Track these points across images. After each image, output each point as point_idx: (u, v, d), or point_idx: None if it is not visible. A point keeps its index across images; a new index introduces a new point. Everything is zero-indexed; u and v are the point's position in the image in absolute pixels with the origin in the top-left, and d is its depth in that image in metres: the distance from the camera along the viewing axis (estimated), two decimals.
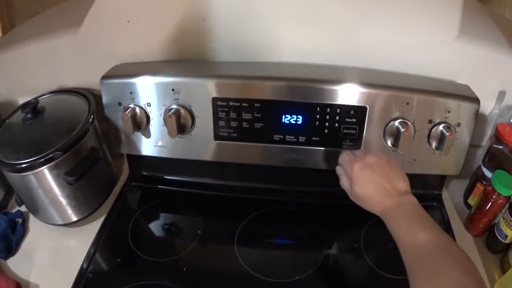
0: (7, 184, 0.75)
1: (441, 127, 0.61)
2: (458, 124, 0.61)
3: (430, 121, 0.61)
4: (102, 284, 0.61)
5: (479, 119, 0.63)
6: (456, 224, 0.70)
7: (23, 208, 0.72)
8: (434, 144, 0.62)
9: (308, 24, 0.65)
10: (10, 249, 0.69)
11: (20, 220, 0.71)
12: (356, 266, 0.64)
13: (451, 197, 0.76)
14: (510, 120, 0.66)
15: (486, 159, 0.66)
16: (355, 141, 0.63)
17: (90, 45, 0.71)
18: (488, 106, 0.68)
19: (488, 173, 0.65)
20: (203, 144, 0.65)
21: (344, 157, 0.58)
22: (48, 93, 0.73)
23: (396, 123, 0.61)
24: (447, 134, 0.60)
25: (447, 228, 0.68)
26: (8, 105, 0.82)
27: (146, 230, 0.70)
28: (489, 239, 0.66)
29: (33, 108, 0.65)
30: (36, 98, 0.68)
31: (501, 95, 0.67)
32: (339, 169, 0.60)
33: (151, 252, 0.65)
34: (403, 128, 0.60)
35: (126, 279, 0.60)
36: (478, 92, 0.62)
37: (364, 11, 0.62)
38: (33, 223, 0.72)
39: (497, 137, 0.64)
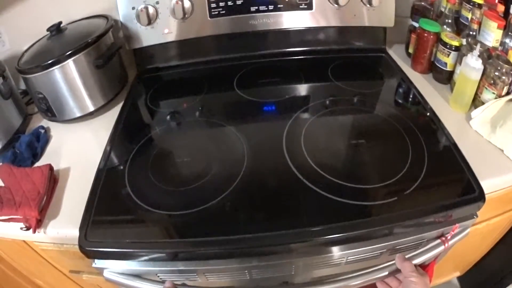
0: (24, 111, 0.84)
1: None
2: None
3: None
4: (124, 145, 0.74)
5: None
6: (405, 67, 0.90)
7: (45, 124, 0.82)
8: (366, 1, 0.85)
9: None
10: (36, 155, 0.76)
11: (43, 131, 0.79)
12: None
13: (396, 53, 0.97)
14: None
15: (412, 14, 0.89)
16: (308, 3, 0.86)
17: None
18: None
19: (416, 24, 0.88)
20: (201, 23, 0.84)
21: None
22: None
23: None
24: None
25: (399, 70, 0.89)
26: (15, 59, 0.93)
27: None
28: (435, 73, 0.87)
29: (57, 27, 0.79)
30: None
31: None
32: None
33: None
34: None
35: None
36: None
37: None
38: (55, 131, 0.81)
39: None
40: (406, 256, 0.63)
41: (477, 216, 0.64)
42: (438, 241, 0.65)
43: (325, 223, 0.55)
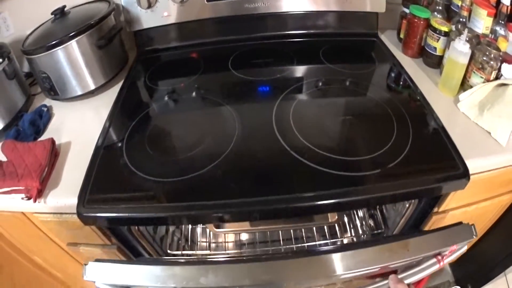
0: (27, 92, 0.89)
1: None
2: None
3: None
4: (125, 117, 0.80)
5: None
6: (396, 52, 0.95)
7: (47, 103, 0.88)
8: None
9: None
10: (38, 132, 0.81)
11: (45, 109, 0.85)
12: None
13: (388, 38, 1.02)
14: None
15: (404, 1, 0.93)
16: None
17: None
18: None
19: (407, 11, 0.92)
20: (199, 6, 0.90)
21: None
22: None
23: None
24: None
25: (390, 54, 0.93)
26: (19, 43, 0.98)
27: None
28: (425, 58, 0.91)
29: (61, 10, 0.84)
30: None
31: None
32: None
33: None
34: None
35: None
36: None
37: None
38: (57, 109, 0.87)
39: None
40: (400, 276, 0.63)
41: (476, 236, 0.65)
42: (434, 260, 0.65)
43: (311, 191, 0.60)
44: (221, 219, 0.60)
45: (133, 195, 0.64)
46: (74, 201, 0.65)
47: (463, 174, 0.64)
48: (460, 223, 0.66)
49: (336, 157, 0.66)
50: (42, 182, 0.69)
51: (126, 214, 0.61)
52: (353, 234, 0.97)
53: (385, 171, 0.63)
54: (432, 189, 0.65)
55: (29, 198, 0.68)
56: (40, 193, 0.69)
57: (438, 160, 0.67)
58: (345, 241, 0.97)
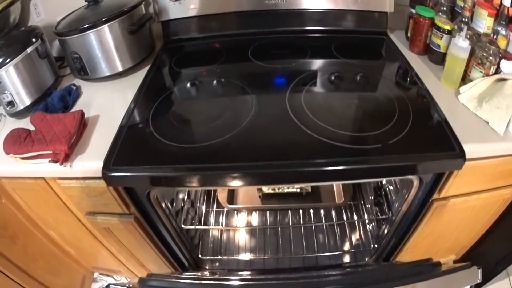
0: (57, 72, 1.01)
1: None
2: None
3: None
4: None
5: None
6: (404, 49, 1.07)
7: (76, 83, 1.00)
8: None
9: None
10: (67, 106, 0.93)
11: (74, 87, 0.97)
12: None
13: (396, 37, 1.13)
14: None
15: (411, 2, 1.05)
16: None
17: None
18: None
19: (414, 11, 1.04)
20: (223, 0, 1.04)
21: None
22: None
23: None
24: None
25: (398, 51, 1.05)
26: (50, 28, 1.11)
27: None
28: (429, 55, 1.02)
29: None
30: None
31: None
32: None
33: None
34: None
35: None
36: None
37: None
38: (85, 88, 0.99)
39: None
40: None
41: (480, 280, 0.75)
42: None
43: (317, 158, 0.70)
44: (239, 179, 0.70)
45: (157, 158, 0.74)
46: (100, 165, 0.75)
47: (459, 154, 0.73)
48: (468, 265, 0.74)
49: (341, 132, 0.77)
50: (70, 147, 0.79)
51: (150, 174, 0.72)
52: (359, 218, 1.05)
53: (386, 146, 0.73)
54: (429, 164, 0.74)
55: (55, 162, 0.78)
56: (67, 158, 0.78)
57: (436, 141, 0.76)
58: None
